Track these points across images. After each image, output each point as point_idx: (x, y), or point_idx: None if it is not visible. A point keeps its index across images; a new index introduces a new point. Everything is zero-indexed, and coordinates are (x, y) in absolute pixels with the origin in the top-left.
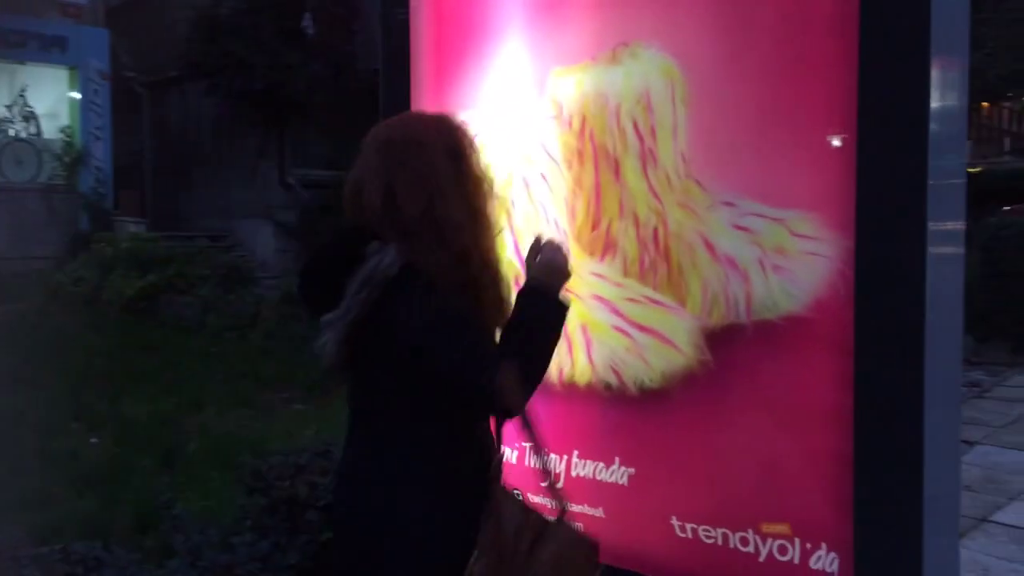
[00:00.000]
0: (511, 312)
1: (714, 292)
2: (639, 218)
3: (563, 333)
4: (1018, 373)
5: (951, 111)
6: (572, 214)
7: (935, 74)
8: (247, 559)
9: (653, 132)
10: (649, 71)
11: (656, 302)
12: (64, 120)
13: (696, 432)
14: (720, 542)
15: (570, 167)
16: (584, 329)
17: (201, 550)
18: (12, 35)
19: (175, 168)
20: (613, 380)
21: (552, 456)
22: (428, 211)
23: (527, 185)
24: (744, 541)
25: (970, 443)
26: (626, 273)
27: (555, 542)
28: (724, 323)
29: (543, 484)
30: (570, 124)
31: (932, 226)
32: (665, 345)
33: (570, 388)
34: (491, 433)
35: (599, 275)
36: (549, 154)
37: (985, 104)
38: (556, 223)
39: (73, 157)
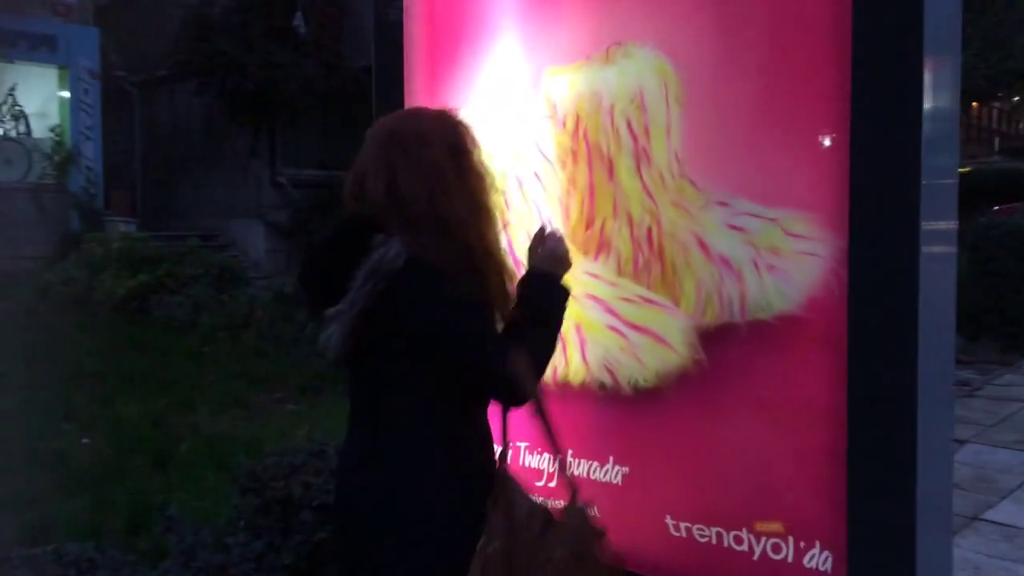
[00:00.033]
0: (516, 301)
1: (708, 292)
2: (633, 218)
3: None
4: (1008, 372)
5: (944, 111)
6: (566, 213)
7: (928, 74)
8: (241, 559)
9: (647, 131)
10: (643, 70)
11: (650, 301)
12: (54, 119)
13: (690, 431)
14: (714, 541)
15: (564, 166)
16: (578, 328)
17: (195, 551)
18: (1, 34)
19: (166, 167)
20: (607, 379)
21: (546, 455)
22: (431, 205)
23: (520, 184)
24: (738, 540)
25: (960, 442)
26: (620, 272)
27: (572, 524)
28: (718, 322)
29: (554, 468)
30: (564, 123)
31: (925, 226)
32: (659, 344)
33: (564, 388)
34: (489, 426)
35: (593, 274)
36: (543, 153)
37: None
38: (550, 222)
39: (63, 156)
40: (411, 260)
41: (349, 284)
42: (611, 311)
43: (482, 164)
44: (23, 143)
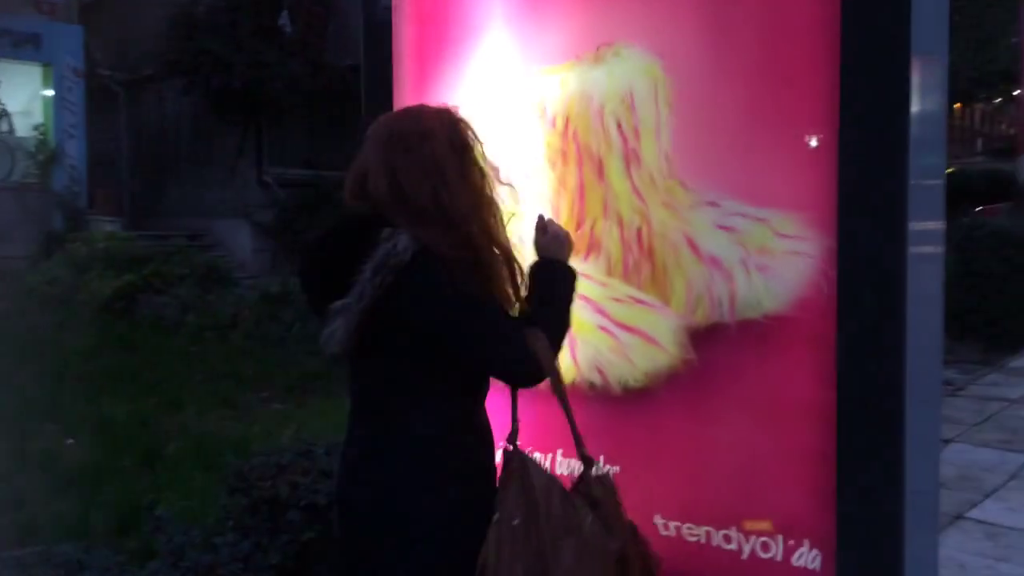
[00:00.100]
0: (528, 287)
1: (698, 291)
2: (623, 218)
3: None
4: (991, 372)
5: (931, 112)
6: (556, 214)
7: (915, 75)
8: (229, 559)
9: (637, 132)
10: (633, 71)
11: (640, 301)
12: (37, 118)
13: (680, 431)
14: (703, 540)
15: (554, 167)
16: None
17: (183, 551)
18: None
19: (152, 167)
20: (597, 379)
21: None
22: (434, 199)
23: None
24: (727, 539)
25: (945, 441)
26: (610, 273)
27: (595, 493)
28: (708, 322)
29: (573, 438)
30: (554, 124)
31: (913, 226)
32: (649, 344)
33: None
34: (489, 424)
35: (583, 275)
36: (532, 154)
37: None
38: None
39: (46, 155)
40: (418, 254)
41: (352, 279)
42: (601, 311)
43: (484, 159)
44: (6, 141)
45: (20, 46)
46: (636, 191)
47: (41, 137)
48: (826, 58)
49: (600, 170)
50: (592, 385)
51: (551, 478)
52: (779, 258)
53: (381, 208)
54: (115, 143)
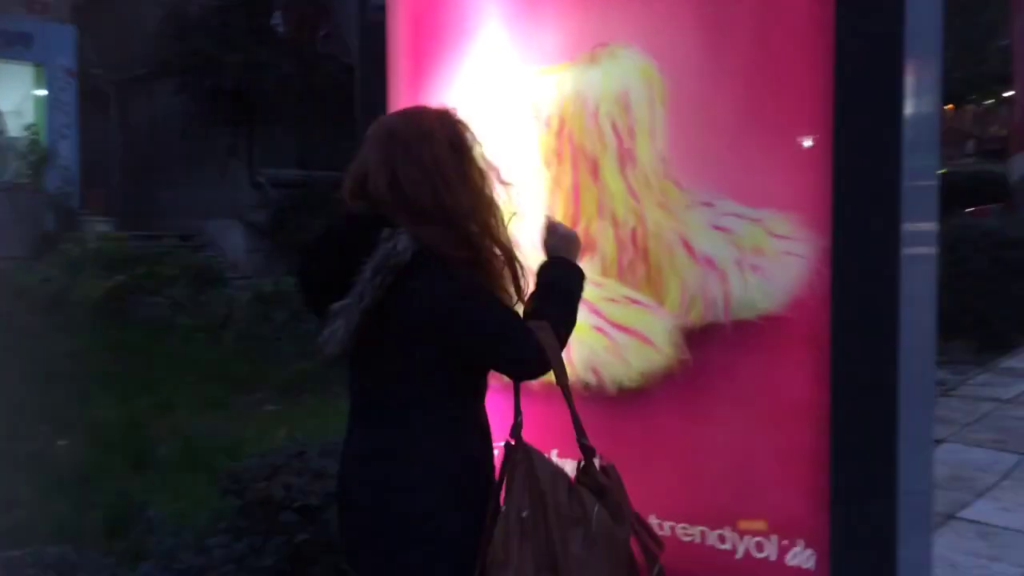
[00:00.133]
0: (536, 282)
1: (693, 292)
2: (618, 218)
3: None
4: (983, 372)
5: (925, 113)
6: (551, 214)
7: (910, 76)
8: (222, 561)
9: (632, 133)
10: (628, 72)
11: (635, 302)
12: (29, 118)
13: (675, 431)
14: (698, 540)
15: (548, 167)
16: None
17: (175, 552)
18: None
19: (144, 167)
20: (592, 380)
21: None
22: (435, 199)
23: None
24: (721, 539)
25: (937, 441)
26: (605, 273)
27: (602, 482)
28: (703, 322)
29: (574, 429)
30: (548, 124)
31: (906, 226)
32: (644, 344)
33: (549, 388)
34: (488, 421)
35: None
36: (527, 154)
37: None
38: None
39: (39, 156)
40: (418, 254)
41: (352, 279)
42: (596, 311)
43: (483, 159)
44: None
45: (11, 46)
46: (631, 191)
47: (33, 137)
48: (821, 59)
49: (595, 170)
50: (587, 385)
51: (557, 469)
52: (773, 258)
53: (381, 208)
54: (107, 143)
